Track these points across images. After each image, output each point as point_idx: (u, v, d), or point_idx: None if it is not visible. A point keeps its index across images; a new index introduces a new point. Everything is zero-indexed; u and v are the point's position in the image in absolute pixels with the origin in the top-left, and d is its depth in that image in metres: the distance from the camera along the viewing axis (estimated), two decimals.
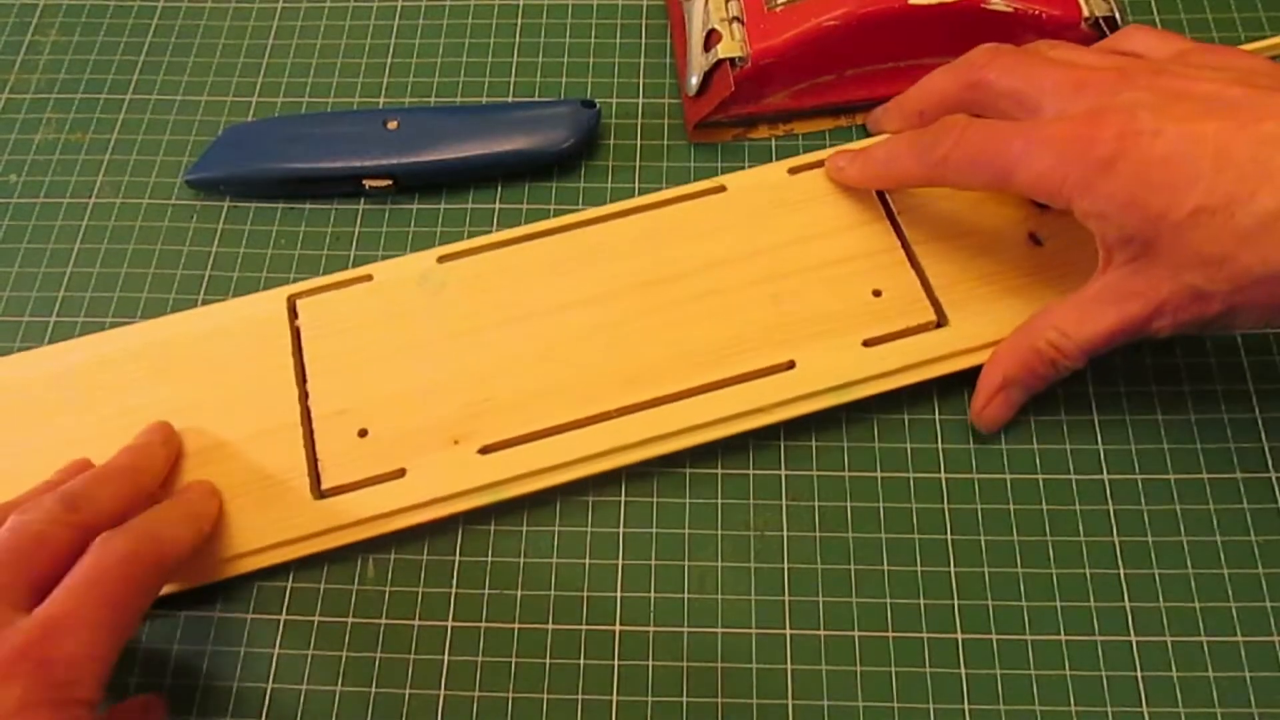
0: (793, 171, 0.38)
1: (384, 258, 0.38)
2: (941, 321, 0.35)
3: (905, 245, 0.36)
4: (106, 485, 0.30)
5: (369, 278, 0.36)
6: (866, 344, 0.34)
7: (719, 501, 0.33)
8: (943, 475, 0.34)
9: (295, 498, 0.32)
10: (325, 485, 0.33)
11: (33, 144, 0.42)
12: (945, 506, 0.33)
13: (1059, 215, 0.32)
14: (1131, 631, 0.31)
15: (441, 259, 0.37)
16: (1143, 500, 0.33)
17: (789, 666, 0.31)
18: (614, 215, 0.37)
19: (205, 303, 0.38)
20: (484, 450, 0.33)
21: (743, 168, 0.39)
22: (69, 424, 0.34)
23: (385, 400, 0.34)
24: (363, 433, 0.33)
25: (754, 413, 0.33)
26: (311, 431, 0.34)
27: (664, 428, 0.33)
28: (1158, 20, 0.42)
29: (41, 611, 0.25)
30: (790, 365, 0.34)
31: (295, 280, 0.38)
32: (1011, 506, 0.33)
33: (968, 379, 0.34)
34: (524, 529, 0.33)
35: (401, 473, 0.33)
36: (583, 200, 0.39)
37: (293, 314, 0.36)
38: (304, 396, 0.34)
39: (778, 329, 0.34)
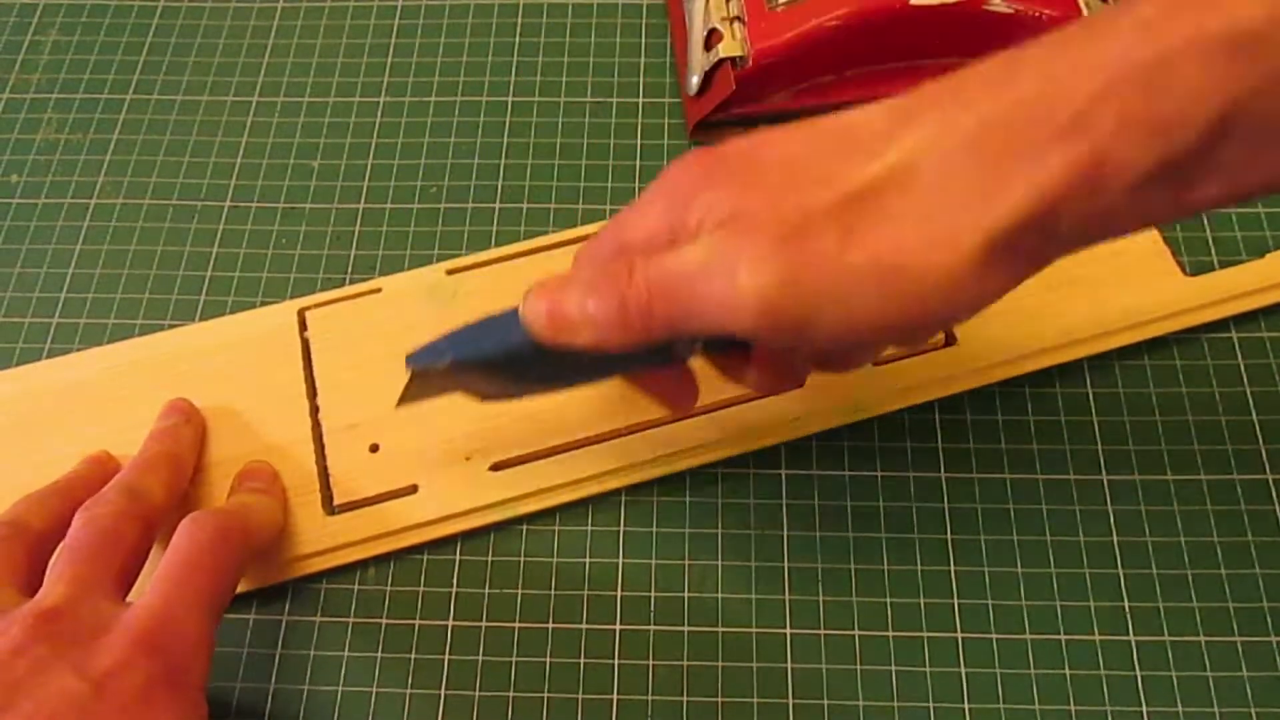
0: None
1: (384, 258, 0.38)
2: (950, 340, 0.34)
3: None
4: (155, 474, 0.30)
5: (378, 290, 0.36)
6: (876, 362, 0.34)
7: (719, 501, 0.33)
8: (943, 475, 0.34)
9: (307, 514, 0.32)
10: (337, 501, 0.33)
11: (33, 144, 0.42)
12: (945, 506, 0.33)
13: None
14: (1130, 631, 0.31)
15: (450, 271, 0.36)
16: (1141, 501, 0.33)
17: (789, 666, 0.31)
18: None
19: (207, 303, 0.38)
20: (495, 467, 0.33)
21: None
22: (77, 437, 0.33)
23: (396, 415, 0.33)
24: (374, 448, 0.33)
25: (765, 432, 0.33)
26: (323, 446, 0.33)
27: (674, 445, 0.33)
28: None
29: (149, 600, 0.26)
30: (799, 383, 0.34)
31: (296, 280, 0.38)
32: (1011, 506, 0.33)
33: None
34: (524, 529, 0.33)
35: (413, 489, 0.33)
36: (582, 199, 0.39)
37: (302, 326, 0.36)
38: (314, 410, 0.34)
39: None
